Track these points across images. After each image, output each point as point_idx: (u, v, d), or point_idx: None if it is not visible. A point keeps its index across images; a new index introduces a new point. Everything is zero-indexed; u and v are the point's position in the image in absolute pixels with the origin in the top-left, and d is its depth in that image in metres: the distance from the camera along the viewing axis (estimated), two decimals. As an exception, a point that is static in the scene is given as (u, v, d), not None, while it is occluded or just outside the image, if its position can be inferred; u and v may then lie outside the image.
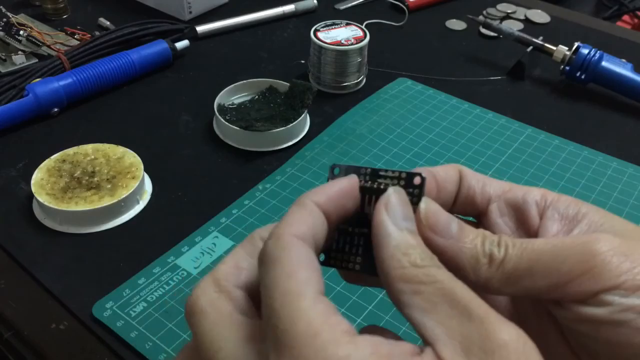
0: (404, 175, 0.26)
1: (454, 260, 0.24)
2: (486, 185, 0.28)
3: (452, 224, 0.25)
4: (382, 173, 0.26)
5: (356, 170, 0.27)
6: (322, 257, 0.26)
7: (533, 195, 0.27)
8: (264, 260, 0.22)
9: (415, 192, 0.25)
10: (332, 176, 0.27)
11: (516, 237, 0.27)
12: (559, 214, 0.26)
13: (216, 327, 0.22)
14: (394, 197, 0.24)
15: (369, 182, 0.26)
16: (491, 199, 0.28)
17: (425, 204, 0.25)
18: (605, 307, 0.22)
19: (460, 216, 0.28)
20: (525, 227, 0.27)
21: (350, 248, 0.26)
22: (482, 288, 0.24)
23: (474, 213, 0.29)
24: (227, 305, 0.22)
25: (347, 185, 0.25)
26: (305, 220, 0.23)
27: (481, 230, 0.25)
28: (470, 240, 0.24)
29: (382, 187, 0.25)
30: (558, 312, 0.24)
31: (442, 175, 0.27)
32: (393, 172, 0.26)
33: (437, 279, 0.21)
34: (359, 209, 0.26)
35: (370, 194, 0.26)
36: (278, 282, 0.21)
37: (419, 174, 0.25)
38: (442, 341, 0.20)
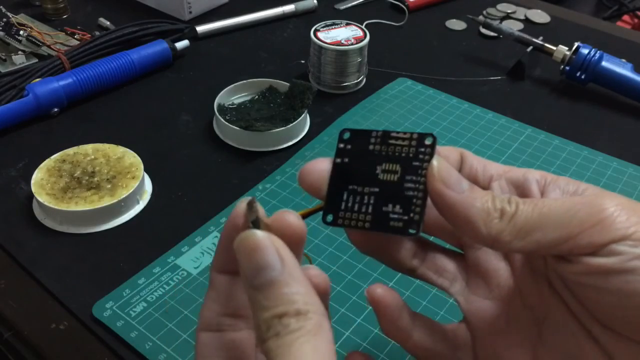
0: (415, 136, 0.27)
1: (464, 214, 0.25)
2: (487, 166, 0.29)
3: (463, 181, 0.26)
4: (393, 134, 0.28)
5: (367, 133, 0.28)
6: (330, 218, 0.28)
7: (533, 175, 0.28)
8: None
9: (427, 151, 0.27)
10: (342, 140, 0.29)
11: None
12: (560, 190, 0.27)
13: None
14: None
15: (382, 147, 0.28)
16: (493, 178, 0.29)
17: (437, 161, 0.26)
18: (616, 257, 0.23)
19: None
20: None
21: (359, 207, 0.27)
22: (493, 242, 0.25)
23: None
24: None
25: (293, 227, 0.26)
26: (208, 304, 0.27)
27: (490, 191, 0.26)
28: (481, 196, 0.26)
29: (395, 151, 0.27)
30: (566, 268, 0.25)
31: (444, 153, 0.29)
32: (405, 133, 0.27)
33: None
34: (367, 170, 0.28)
35: (382, 158, 0.28)
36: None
37: (431, 134, 0.27)
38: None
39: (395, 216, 0.27)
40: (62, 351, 0.41)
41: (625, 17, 1.18)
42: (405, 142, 0.27)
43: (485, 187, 0.29)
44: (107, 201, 0.49)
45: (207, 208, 0.51)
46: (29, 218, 0.50)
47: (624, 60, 0.68)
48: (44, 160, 0.53)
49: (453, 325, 0.31)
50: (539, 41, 0.70)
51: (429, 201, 0.27)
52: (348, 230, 0.29)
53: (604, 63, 0.67)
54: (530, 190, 0.28)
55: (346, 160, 0.28)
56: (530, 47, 0.70)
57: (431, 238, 0.32)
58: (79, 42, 0.71)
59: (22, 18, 0.76)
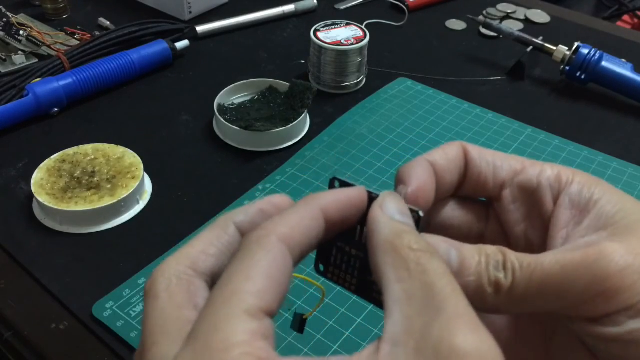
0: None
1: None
2: (497, 169, 0.26)
3: (452, 255, 0.23)
4: (374, 195, 0.24)
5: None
6: (322, 268, 0.26)
7: (547, 177, 0.26)
8: (241, 249, 0.20)
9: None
10: (332, 188, 0.26)
11: (528, 225, 0.26)
12: (570, 201, 0.25)
13: (162, 318, 0.20)
14: (388, 197, 0.23)
15: (367, 208, 0.24)
16: (504, 185, 0.26)
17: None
18: (618, 327, 0.22)
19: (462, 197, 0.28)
20: (539, 212, 0.26)
21: (347, 268, 0.26)
22: (490, 312, 0.23)
23: (486, 196, 0.28)
24: (182, 296, 0.20)
25: (355, 195, 0.24)
26: (303, 224, 0.22)
27: (482, 248, 0.23)
28: (473, 269, 0.23)
29: None
30: (570, 324, 0.24)
31: (442, 164, 0.26)
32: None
33: (425, 268, 0.20)
34: (354, 231, 0.25)
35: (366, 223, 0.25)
36: (231, 280, 0.19)
37: (417, 212, 0.24)
38: (397, 338, 0.19)
39: (378, 288, 0.23)
40: (62, 351, 0.41)
41: (625, 17, 1.18)
42: None
43: (497, 196, 0.27)
44: (107, 201, 0.49)
45: (207, 208, 0.51)
46: (29, 218, 0.50)
47: (624, 60, 0.68)
48: (44, 160, 0.53)
49: None
50: (539, 41, 0.70)
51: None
52: None
53: (604, 63, 0.67)
54: (543, 200, 0.26)
55: None
56: (530, 47, 0.70)
57: None
58: (79, 42, 0.71)
59: (22, 18, 0.76)
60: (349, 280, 0.26)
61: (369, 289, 0.25)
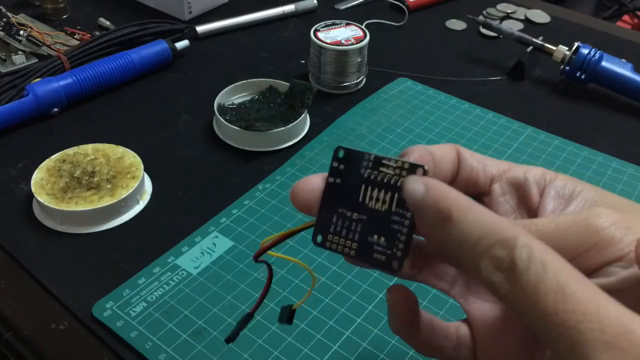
0: (407, 165, 0.26)
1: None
2: (487, 166, 0.29)
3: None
4: (385, 162, 0.26)
5: (360, 155, 0.27)
6: (320, 238, 0.27)
7: (533, 175, 0.29)
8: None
9: None
10: (336, 159, 0.28)
11: (517, 216, 0.29)
12: (555, 192, 0.28)
13: None
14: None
15: (373, 173, 0.26)
16: (494, 180, 0.29)
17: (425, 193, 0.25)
18: (610, 277, 0.23)
19: None
20: (526, 204, 0.29)
21: (347, 233, 0.27)
22: None
23: (475, 192, 0.30)
24: None
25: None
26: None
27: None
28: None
29: (385, 180, 0.26)
30: None
31: (439, 154, 0.28)
32: (396, 161, 0.26)
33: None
34: (357, 195, 0.27)
35: (372, 185, 0.26)
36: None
37: (422, 166, 0.25)
38: None
39: (379, 248, 0.26)
40: (62, 351, 0.41)
41: (625, 17, 1.18)
42: (396, 171, 0.26)
43: (487, 190, 0.29)
44: (107, 201, 0.49)
45: (207, 208, 0.51)
46: (29, 218, 0.50)
47: (624, 60, 0.68)
48: (44, 160, 0.53)
49: (456, 323, 0.31)
50: (539, 41, 0.70)
51: None
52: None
53: (604, 63, 0.67)
54: (530, 192, 0.28)
55: (338, 180, 0.27)
56: (530, 47, 0.70)
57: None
58: (79, 42, 0.71)
59: (22, 18, 0.76)
60: (349, 245, 0.27)
61: (369, 249, 0.26)
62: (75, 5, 0.81)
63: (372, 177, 0.26)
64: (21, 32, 0.72)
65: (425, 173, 0.25)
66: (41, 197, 0.49)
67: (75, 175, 0.52)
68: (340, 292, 0.44)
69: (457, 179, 0.29)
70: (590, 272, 0.24)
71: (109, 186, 0.51)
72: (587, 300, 0.19)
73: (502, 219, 0.23)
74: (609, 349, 0.18)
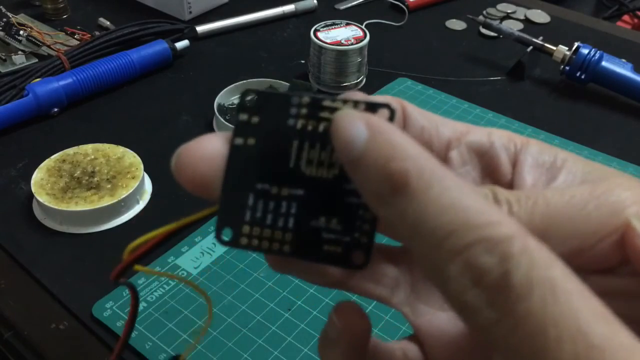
0: (362, 106, 0.18)
1: None
2: (441, 127, 0.21)
3: None
4: (326, 104, 0.18)
5: (285, 99, 0.18)
6: (228, 234, 0.19)
7: (499, 138, 0.21)
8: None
9: None
10: (244, 108, 0.19)
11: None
12: (533, 160, 0.20)
13: None
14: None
15: (310, 123, 0.18)
16: (450, 145, 0.21)
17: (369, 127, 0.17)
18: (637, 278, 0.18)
19: None
20: (494, 176, 0.21)
21: (274, 219, 0.18)
22: None
23: None
24: None
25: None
26: None
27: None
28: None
29: (322, 133, 0.18)
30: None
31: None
32: (344, 101, 0.18)
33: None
34: (285, 160, 0.18)
35: (310, 140, 0.18)
36: None
37: (388, 106, 0.18)
38: None
39: (331, 236, 0.18)
40: (62, 351, 0.41)
41: (625, 17, 1.18)
42: None
43: (442, 157, 0.21)
44: (107, 201, 0.49)
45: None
46: (29, 218, 0.50)
47: (624, 60, 0.68)
48: (44, 160, 0.53)
49: (402, 343, 0.22)
50: (539, 41, 0.70)
51: None
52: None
53: (604, 63, 0.67)
54: (498, 161, 0.21)
55: (252, 142, 0.18)
56: (530, 47, 0.70)
57: None
58: (79, 42, 0.71)
59: (22, 18, 0.76)
60: (279, 237, 0.18)
61: (314, 239, 0.18)
62: (75, 5, 0.81)
63: (308, 129, 0.18)
64: (21, 32, 0.72)
65: (391, 118, 0.17)
66: (41, 197, 0.49)
67: (75, 175, 0.52)
68: (340, 291, 0.44)
69: None
70: (616, 266, 0.18)
71: (109, 186, 0.51)
72: None
73: (489, 202, 0.16)
74: None
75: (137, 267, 0.20)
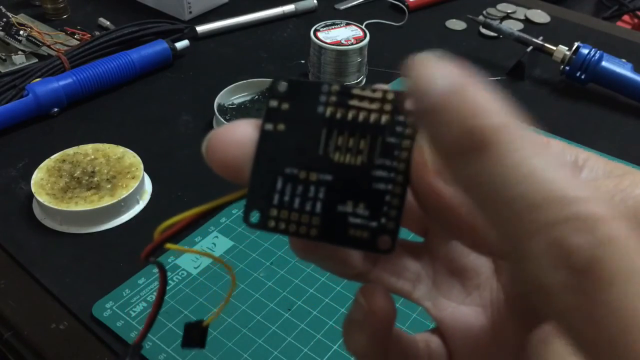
0: (390, 95, 0.18)
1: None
2: None
3: None
4: (356, 91, 0.18)
5: (315, 87, 0.19)
6: (256, 217, 0.19)
7: None
8: None
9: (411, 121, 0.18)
10: (276, 95, 0.19)
11: None
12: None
13: None
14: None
15: (339, 110, 0.18)
16: None
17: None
18: None
19: None
20: None
21: (302, 203, 0.19)
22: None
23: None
24: None
25: None
26: None
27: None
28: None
29: (359, 119, 0.18)
30: None
31: None
32: (374, 90, 0.18)
33: None
34: (314, 146, 0.19)
35: (339, 128, 0.18)
36: None
37: None
38: None
39: (358, 221, 0.18)
40: (62, 351, 0.41)
41: (625, 17, 1.18)
42: (376, 105, 0.18)
43: None
44: (107, 201, 0.49)
45: (207, 208, 0.51)
46: (29, 218, 0.50)
47: (624, 60, 0.68)
48: (44, 160, 0.53)
49: (424, 335, 0.22)
50: (539, 41, 0.70)
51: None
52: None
53: (604, 63, 0.67)
54: None
55: (281, 127, 0.19)
56: (530, 47, 0.70)
57: None
58: (79, 42, 0.71)
59: (22, 18, 0.76)
60: (306, 221, 0.19)
61: (341, 224, 0.18)
62: (75, 5, 0.81)
63: (337, 116, 0.18)
64: (21, 32, 0.72)
65: None
66: (41, 197, 0.49)
67: (75, 175, 0.52)
68: (340, 292, 0.44)
69: None
70: None
71: (109, 186, 0.51)
72: None
73: (577, 175, 0.15)
74: None
75: (168, 245, 0.21)
